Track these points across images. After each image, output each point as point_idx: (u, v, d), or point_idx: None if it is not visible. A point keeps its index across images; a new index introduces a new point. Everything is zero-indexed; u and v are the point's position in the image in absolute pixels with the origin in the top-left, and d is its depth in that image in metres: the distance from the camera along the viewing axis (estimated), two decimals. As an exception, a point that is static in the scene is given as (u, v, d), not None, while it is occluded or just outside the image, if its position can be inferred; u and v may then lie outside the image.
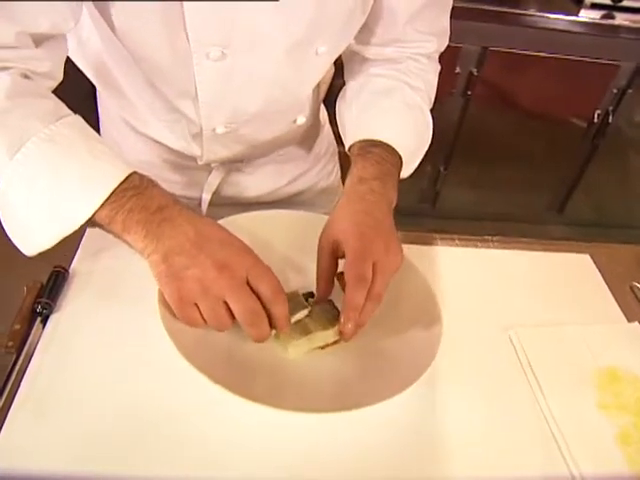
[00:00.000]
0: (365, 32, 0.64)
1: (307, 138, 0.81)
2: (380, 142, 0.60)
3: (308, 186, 0.86)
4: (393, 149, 0.60)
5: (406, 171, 0.65)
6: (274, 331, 0.51)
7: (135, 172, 0.48)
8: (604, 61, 1.58)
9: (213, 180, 0.75)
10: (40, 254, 0.48)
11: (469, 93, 1.62)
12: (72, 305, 0.56)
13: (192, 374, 0.44)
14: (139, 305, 0.53)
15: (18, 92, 0.46)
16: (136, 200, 0.46)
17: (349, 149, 0.64)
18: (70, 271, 0.58)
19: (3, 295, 0.55)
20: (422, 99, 0.67)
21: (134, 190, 0.47)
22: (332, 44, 0.60)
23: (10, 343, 0.50)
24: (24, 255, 0.49)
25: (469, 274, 0.69)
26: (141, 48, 0.55)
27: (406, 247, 0.55)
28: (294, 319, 0.52)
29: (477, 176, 1.85)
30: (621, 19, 1.55)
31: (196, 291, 0.45)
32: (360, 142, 0.62)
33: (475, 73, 1.58)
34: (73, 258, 0.60)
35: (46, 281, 0.55)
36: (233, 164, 0.75)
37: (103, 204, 0.45)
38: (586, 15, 1.55)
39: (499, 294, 0.66)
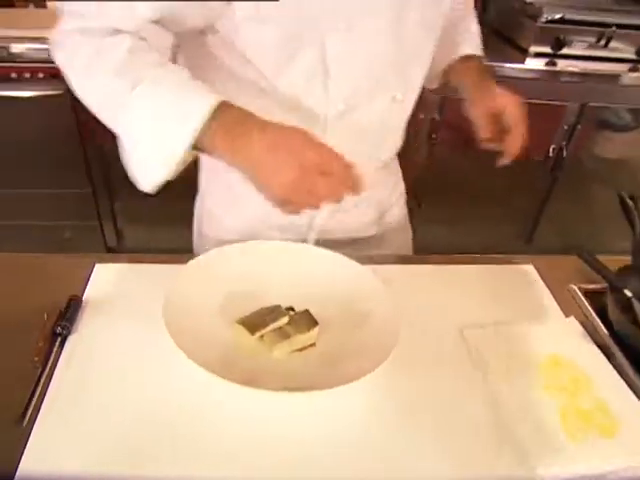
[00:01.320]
0: None
1: (392, 161, 0.94)
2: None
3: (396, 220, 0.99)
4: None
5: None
6: (260, 335, 0.61)
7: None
8: (552, 102, 1.75)
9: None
10: (55, 286, 0.58)
11: (434, 137, 1.77)
12: (86, 328, 0.65)
13: (191, 373, 0.53)
14: (144, 325, 0.64)
15: (137, 47, 0.60)
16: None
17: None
18: (83, 300, 0.68)
19: (26, 320, 0.64)
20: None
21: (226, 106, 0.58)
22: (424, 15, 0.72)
23: (36, 358, 0.59)
24: (41, 287, 0.59)
25: (432, 286, 0.79)
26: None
27: (377, 267, 0.66)
28: (276, 325, 0.62)
29: (450, 213, 1.98)
30: (562, 65, 1.73)
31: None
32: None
33: (437, 118, 1.74)
34: (85, 289, 0.70)
35: (64, 308, 0.65)
36: None
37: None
38: (532, 63, 1.73)
39: (457, 301, 0.76)
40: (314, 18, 0.64)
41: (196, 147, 0.58)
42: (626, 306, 0.74)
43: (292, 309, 0.67)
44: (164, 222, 1.81)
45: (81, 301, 0.67)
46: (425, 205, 1.94)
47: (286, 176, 0.55)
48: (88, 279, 0.71)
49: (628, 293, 0.73)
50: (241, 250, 0.71)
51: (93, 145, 1.69)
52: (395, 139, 0.87)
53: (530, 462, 0.56)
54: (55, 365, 0.60)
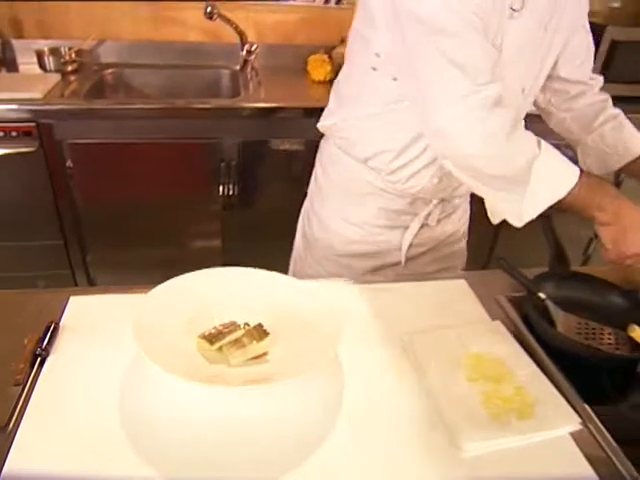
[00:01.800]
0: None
1: None
2: None
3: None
4: None
5: None
6: (219, 346, 0.70)
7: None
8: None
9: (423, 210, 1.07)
10: (34, 317, 0.67)
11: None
12: (63, 349, 0.73)
13: (158, 383, 0.61)
14: (115, 346, 0.72)
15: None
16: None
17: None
18: (60, 325, 0.76)
19: (8, 347, 0.72)
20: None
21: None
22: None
23: (18, 377, 0.66)
24: (22, 318, 0.67)
25: (376, 301, 0.89)
26: None
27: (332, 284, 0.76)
28: (233, 337, 0.71)
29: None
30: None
31: None
32: None
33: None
34: (61, 317, 0.78)
35: (43, 333, 0.72)
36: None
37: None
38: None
39: (399, 313, 0.86)
40: None
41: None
42: (541, 307, 0.85)
43: (247, 324, 0.75)
44: (135, 269, 1.88)
45: (58, 326, 0.75)
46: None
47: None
48: (64, 309, 0.79)
49: (542, 295, 0.84)
50: (198, 277, 0.80)
51: (65, 199, 1.78)
52: None
53: (458, 441, 0.65)
54: (35, 383, 0.67)
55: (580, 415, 0.69)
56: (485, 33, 0.78)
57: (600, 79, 1.06)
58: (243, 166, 1.89)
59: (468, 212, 1.23)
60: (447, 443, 0.65)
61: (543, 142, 0.82)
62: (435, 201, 1.08)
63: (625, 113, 1.79)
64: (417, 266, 1.15)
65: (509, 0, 0.79)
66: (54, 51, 1.95)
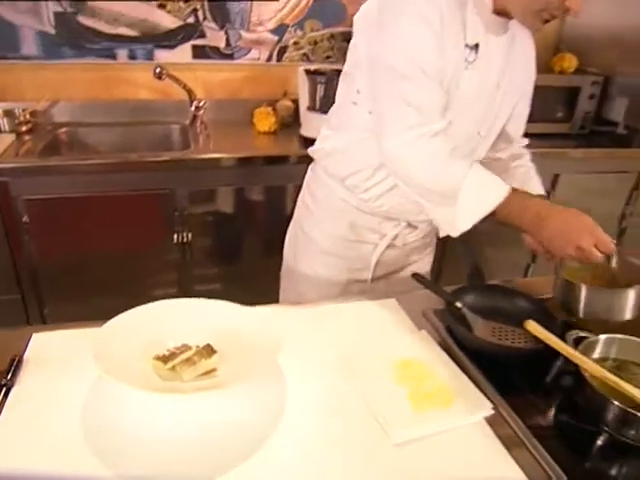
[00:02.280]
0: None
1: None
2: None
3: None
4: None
5: None
6: (172, 365, 0.78)
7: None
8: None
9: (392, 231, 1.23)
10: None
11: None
12: (27, 380, 0.79)
13: (116, 400, 0.69)
14: (75, 375, 0.80)
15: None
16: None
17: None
18: (24, 358, 0.82)
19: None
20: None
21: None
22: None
23: (-15, 405, 0.72)
24: None
25: (315, 321, 0.99)
26: None
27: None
28: (184, 357, 0.79)
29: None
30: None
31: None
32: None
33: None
34: (25, 352, 0.84)
35: (7, 365, 0.78)
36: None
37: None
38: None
39: (335, 330, 0.96)
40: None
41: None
42: (460, 316, 0.97)
43: (198, 346, 0.84)
44: (93, 321, 1.91)
45: (22, 360, 0.81)
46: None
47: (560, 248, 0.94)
48: (27, 345, 0.86)
49: (459, 304, 0.96)
50: (153, 308, 0.88)
51: (21, 254, 1.82)
52: None
53: (388, 431, 0.74)
54: (0, 411, 0.73)
55: (493, 403, 0.80)
56: (439, 80, 0.96)
57: (525, 140, 1.26)
58: (196, 214, 1.99)
59: (433, 244, 1.40)
60: (379, 435, 0.75)
61: (475, 164, 0.99)
62: (403, 223, 1.23)
63: (541, 147, 2.02)
64: (384, 285, 1.29)
65: (465, 53, 0.97)
66: (8, 113, 2.03)
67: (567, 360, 0.83)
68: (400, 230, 1.25)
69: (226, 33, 2.32)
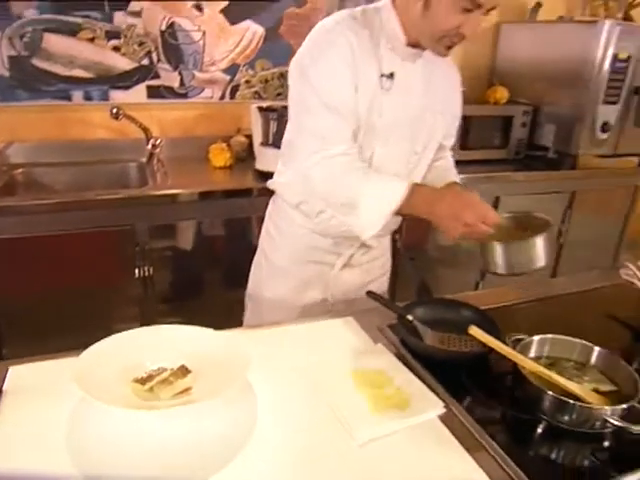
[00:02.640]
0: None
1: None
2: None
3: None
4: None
5: None
6: (150, 386, 0.83)
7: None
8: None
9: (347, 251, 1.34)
10: None
11: None
12: (7, 411, 0.82)
13: (98, 422, 0.74)
14: (54, 402, 0.83)
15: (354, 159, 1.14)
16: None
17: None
18: (3, 390, 0.85)
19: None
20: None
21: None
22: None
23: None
24: None
25: (279, 341, 1.06)
26: None
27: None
28: (161, 378, 0.85)
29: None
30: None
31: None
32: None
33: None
34: (4, 382, 0.87)
35: (-13, 397, 0.82)
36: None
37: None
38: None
39: (297, 348, 1.04)
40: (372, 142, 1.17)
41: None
42: (411, 328, 1.06)
43: (173, 368, 0.89)
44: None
45: (1, 391, 0.84)
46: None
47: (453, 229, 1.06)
48: (4, 378, 0.89)
49: (410, 317, 1.06)
50: (129, 336, 0.94)
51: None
52: None
53: (351, 433, 0.82)
54: (-16, 440, 0.76)
55: (445, 402, 0.89)
56: (347, 111, 1.10)
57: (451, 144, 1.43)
58: (157, 249, 2.03)
59: (388, 265, 1.50)
60: (343, 437, 0.82)
61: (371, 173, 1.12)
62: (357, 243, 1.33)
63: (482, 172, 2.17)
64: (344, 306, 1.37)
65: (382, 82, 1.12)
66: (-38, 156, 2.03)
67: (507, 360, 0.93)
68: (355, 250, 1.35)
69: (180, 74, 2.41)
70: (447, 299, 1.16)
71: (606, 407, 0.82)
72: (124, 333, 0.93)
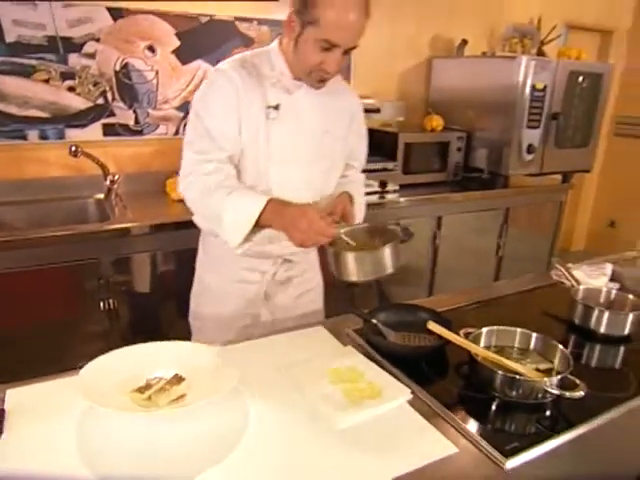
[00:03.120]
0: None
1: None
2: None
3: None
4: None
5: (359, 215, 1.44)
6: (148, 395, 0.91)
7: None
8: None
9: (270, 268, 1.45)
10: None
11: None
12: (14, 428, 0.88)
13: (102, 430, 0.81)
14: (57, 416, 0.90)
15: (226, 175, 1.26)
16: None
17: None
18: (6, 409, 0.91)
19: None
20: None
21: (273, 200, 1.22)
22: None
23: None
24: None
25: (257, 351, 1.15)
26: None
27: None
28: (158, 387, 0.93)
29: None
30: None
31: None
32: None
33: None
34: (4, 403, 0.92)
35: (-7, 416, 0.87)
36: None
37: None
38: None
39: (275, 355, 1.14)
40: (267, 164, 1.31)
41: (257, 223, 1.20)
42: (376, 330, 1.19)
43: (166, 378, 0.97)
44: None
45: (4, 411, 0.90)
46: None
47: (299, 239, 1.18)
48: (3, 400, 0.94)
49: (374, 320, 1.19)
50: (124, 351, 1.01)
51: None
52: None
53: (333, 419, 0.93)
54: (-4, 454, 0.82)
55: (412, 389, 1.01)
56: (225, 140, 1.25)
57: (359, 166, 1.58)
58: (120, 281, 2.07)
59: (318, 278, 1.61)
60: (325, 425, 0.92)
61: (236, 191, 1.23)
62: (279, 260, 1.44)
63: (424, 195, 2.35)
64: (285, 320, 1.48)
65: (268, 112, 1.27)
66: None
67: (461, 350, 1.07)
68: (278, 267, 1.46)
69: (135, 112, 2.50)
70: (405, 304, 1.30)
71: (545, 379, 0.97)
72: (122, 349, 1.01)
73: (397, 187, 2.77)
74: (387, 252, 1.20)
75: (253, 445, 0.87)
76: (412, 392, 1.01)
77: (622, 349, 1.23)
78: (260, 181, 1.33)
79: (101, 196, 2.40)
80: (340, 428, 0.92)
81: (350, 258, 1.20)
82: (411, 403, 0.99)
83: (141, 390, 0.92)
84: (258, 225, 1.22)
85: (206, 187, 1.24)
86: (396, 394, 1.00)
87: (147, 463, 0.82)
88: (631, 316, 1.22)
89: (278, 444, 0.88)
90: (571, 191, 3.46)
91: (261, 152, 1.30)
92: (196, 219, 1.41)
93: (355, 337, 1.22)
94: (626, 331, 1.24)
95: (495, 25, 3.41)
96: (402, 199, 2.67)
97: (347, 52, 1.20)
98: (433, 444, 0.89)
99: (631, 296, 1.32)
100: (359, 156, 1.56)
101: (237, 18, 2.57)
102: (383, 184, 2.72)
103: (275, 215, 1.21)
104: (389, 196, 2.69)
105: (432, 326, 1.11)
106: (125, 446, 0.85)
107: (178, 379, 0.95)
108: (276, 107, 1.29)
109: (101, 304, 2.04)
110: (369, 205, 2.51)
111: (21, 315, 1.93)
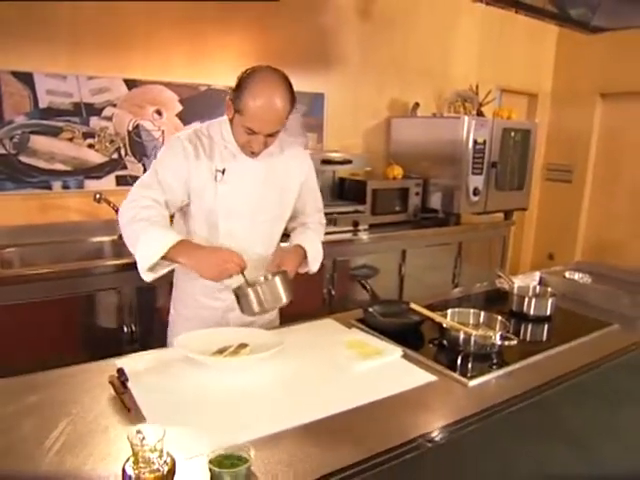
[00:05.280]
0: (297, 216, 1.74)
1: None
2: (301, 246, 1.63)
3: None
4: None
5: (314, 267, 1.67)
6: (225, 354, 1.31)
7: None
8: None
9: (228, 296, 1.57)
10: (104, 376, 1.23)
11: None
12: (134, 380, 1.25)
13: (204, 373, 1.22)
14: (167, 371, 1.28)
15: (154, 213, 1.44)
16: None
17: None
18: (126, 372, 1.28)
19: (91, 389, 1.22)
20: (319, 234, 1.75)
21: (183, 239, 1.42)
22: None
23: (119, 390, 1.17)
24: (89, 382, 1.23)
25: (289, 333, 1.56)
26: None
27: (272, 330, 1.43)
28: (230, 350, 1.33)
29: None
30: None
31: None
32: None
33: None
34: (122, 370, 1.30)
35: (118, 373, 1.24)
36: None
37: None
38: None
39: (303, 337, 1.55)
40: (216, 219, 1.55)
41: (165, 257, 1.36)
42: (372, 315, 1.62)
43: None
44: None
45: (124, 370, 1.26)
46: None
47: (208, 271, 1.38)
48: (116, 365, 1.31)
49: (370, 309, 1.63)
50: (213, 330, 1.43)
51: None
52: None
53: (352, 365, 1.35)
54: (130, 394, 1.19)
55: (403, 350, 1.44)
56: (165, 188, 1.48)
57: (315, 219, 1.79)
58: (141, 307, 2.42)
59: None
60: (345, 370, 1.34)
61: (153, 226, 1.38)
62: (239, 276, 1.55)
63: (389, 232, 2.85)
64: None
65: (216, 174, 1.53)
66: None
67: (434, 323, 1.52)
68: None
69: (143, 165, 2.91)
70: (391, 300, 1.75)
71: (492, 335, 1.42)
72: (198, 331, 1.43)
73: (367, 226, 3.26)
74: (278, 281, 1.43)
75: (295, 380, 1.28)
76: (403, 351, 1.44)
77: (546, 325, 1.72)
78: (210, 231, 1.57)
79: (115, 237, 2.76)
80: (356, 371, 1.34)
81: (250, 292, 1.41)
82: (403, 358, 1.42)
83: (220, 352, 1.32)
84: (167, 259, 1.37)
85: (136, 216, 1.40)
86: (393, 352, 1.43)
87: (224, 395, 1.21)
88: (550, 300, 1.72)
89: (312, 380, 1.30)
90: (513, 227, 4.06)
91: (209, 208, 1.54)
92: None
93: (356, 324, 1.65)
94: (548, 312, 1.72)
95: (441, 90, 4.07)
96: (371, 236, 3.16)
97: (270, 135, 1.45)
98: (419, 376, 1.33)
99: (549, 289, 1.82)
100: (312, 207, 1.77)
101: (230, 87, 3.07)
102: (355, 224, 3.20)
103: (185, 254, 1.37)
104: (360, 234, 3.16)
105: (414, 306, 1.56)
106: (212, 390, 1.24)
107: (244, 345, 1.35)
108: (222, 171, 1.51)
109: (124, 328, 2.38)
110: (344, 242, 2.97)
111: (47, 344, 2.24)
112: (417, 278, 3.40)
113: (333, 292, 2.94)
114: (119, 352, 2.34)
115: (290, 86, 1.44)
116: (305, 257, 1.64)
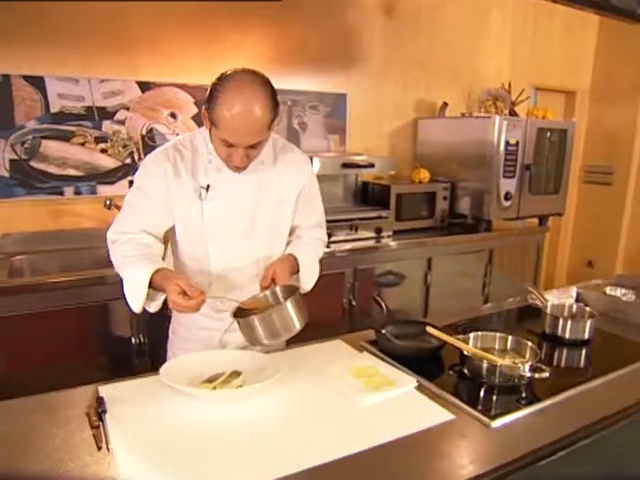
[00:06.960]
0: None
1: None
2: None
3: None
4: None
5: (306, 284, 1.50)
6: (213, 386, 1.18)
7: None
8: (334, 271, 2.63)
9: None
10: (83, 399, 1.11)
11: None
12: (112, 410, 1.13)
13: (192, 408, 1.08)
14: (151, 401, 1.15)
15: (143, 243, 1.38)
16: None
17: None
18: (104, 399, 1.16)
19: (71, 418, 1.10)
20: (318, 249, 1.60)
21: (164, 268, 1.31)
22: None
23: (95, 422, 1.06)
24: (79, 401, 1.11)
25: (291, 358, 1.42)
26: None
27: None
28: (221, 380, 1.20)
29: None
30: (333, 247, 2.69)
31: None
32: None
33: None
34: (100, 397, 1.18)
35: (96, 402, 1.12)
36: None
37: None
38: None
39: (309, 359, 1.40)
40: (205, 239, 1.43)
41: (151, 285, 1.28)
42: (386, 338, 1.46)
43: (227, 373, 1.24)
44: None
45: (104, 400, 1.15)
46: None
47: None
48: (97, 393, 1.19)
49: (383, 330, 1.47)
50: (206, 354, 1.30)
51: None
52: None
53: (357, 399, 1.19)
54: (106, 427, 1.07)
55: (418, 380, 1.28)
56: (140, 214, 1.39)
57: (312, 232, 1.61)
58: (149, 320, 2.33)
59: None
60: (351, 404, 1.19)
61: (136, 259, 1.32)
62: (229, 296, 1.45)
63: (415, 239, 2.67)
64: None
65: (200, 192, 1.39)
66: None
67: (454, 348, 1.35)
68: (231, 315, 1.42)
69: (157, 169, 2.82)
70: (407, 320, 1.59)
71: (520, 365, 1.24)
72: (189, 355, 1.28)
73: (391, 233, 3.09)
74: (289, 306, 1.23)
75: (295, 417, 1.14)
76: (417, 381, 1.28)
77: (584, 350, 1.52)
78: (198, 256, 1.45)
79: (128, 244, 2.67)
80: (362, 406, 1.18)
81: (257, 321, 1.23)
82: (417, 389, 1.26)
83: (210, 381, 1.18)
84: (154, 289, 1.30)
85: (117, 259, 1.37)
86: (405, 383, 1.27)
87: (215, 430, 1.08)
88: (589, 322, 1.52)
89: (314, 416, 1.15)
90: (549, 234, 3.82)
91: (197, 229, 1.41)
92: None
93: (368, 346, 1.50)
94: (586, 335, 1.53)
95: (470, 89, 3.86)
96: (395, 243, 2.99)
97: (254, 147, 1.29)
98: (435, 413, 1.16)
99: (588, 308, 1.62)
100: (311, 221, 1.61)
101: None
102: (378, 230, 3.04)
103: (158, 283, 1.28)
104: (384, 241, 3.00)
105: (431, 330, 1.40)
106: (200, 420, 1.11)
107: (237, 374, 1.21)
108: (207, 187, 1.38)
109: (133, 340, 2.28)
110: (366, 249, 2.82)
111: (57, 351, 2.17)
112: (444, 287, 3.21)
113: (354, 302, 2.78)
114: (128, 364, 2.35)
115: (272, 91, 1.27)
116: (297, 266, 1.47)
